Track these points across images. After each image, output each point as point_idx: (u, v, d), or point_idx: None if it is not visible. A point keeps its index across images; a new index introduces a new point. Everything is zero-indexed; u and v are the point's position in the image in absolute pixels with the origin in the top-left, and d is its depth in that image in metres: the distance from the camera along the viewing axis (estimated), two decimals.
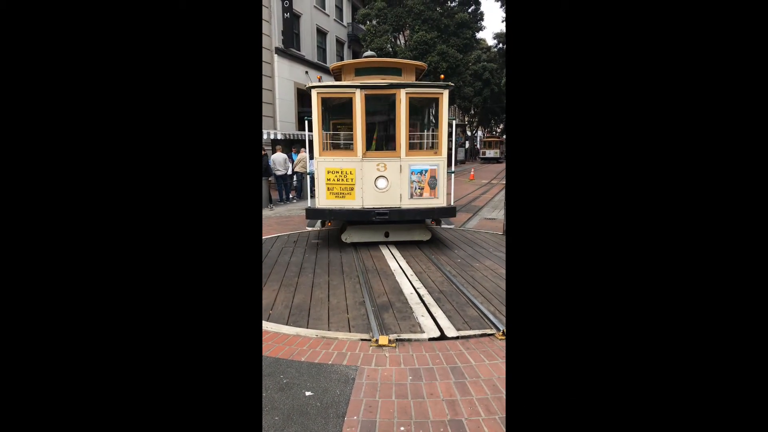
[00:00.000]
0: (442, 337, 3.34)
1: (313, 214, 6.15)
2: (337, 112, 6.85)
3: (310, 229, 6.56)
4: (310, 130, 6.10)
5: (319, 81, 6.30)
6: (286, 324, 3.59)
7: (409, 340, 3.29)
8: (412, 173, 6.04)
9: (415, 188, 6.07)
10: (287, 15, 15.58)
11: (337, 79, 7.05)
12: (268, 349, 3.13)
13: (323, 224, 6.92)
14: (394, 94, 5.94)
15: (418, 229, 6.58)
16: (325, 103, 6.14)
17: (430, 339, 3.30)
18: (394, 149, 6.08)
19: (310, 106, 5.98)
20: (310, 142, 6.18)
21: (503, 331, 3.38)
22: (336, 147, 6.35)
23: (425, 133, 6.81)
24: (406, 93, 5.89)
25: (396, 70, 6.66)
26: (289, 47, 15.88)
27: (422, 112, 7.09)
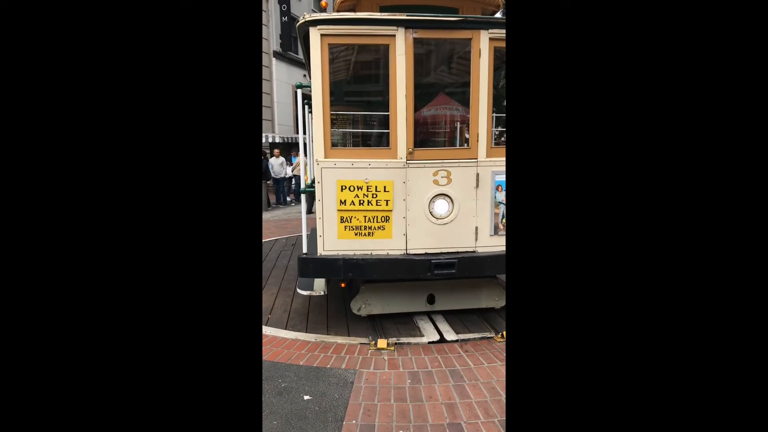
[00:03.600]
0: (442, 340, 3.33)
1: (312, 267, 3.20)
2: (350, 84, 3.78)
3: (303, 293, 3.50)
4: (306, 124, 3.30)
5: (324, 8, 3.41)
6: (285, 328, 3.57)
7: (408, 343, 3.27)
8: (497, 188, 3.24)
9: (503, 216, 3.26)
10: (285, 19, 15.61)
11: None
12: (267, 353, 3.11)
13: (329, 283, 3.59)
14: (468, 40, 3.07)
15: (485, 289, 3.60)
16: (336, 58, 3.32)
17: (430, 342, 3.29)
18: (465, 145, 3.33)
19: (309, 98, 3.23)
20: (304, 143, 3.56)
21: (502, 334, 3.37)
22: (354, 142, 3.62)
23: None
24: (491, 38, 3.06)
25: (450, 9, 3.65)
26: (287, 51, 15.90)
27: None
